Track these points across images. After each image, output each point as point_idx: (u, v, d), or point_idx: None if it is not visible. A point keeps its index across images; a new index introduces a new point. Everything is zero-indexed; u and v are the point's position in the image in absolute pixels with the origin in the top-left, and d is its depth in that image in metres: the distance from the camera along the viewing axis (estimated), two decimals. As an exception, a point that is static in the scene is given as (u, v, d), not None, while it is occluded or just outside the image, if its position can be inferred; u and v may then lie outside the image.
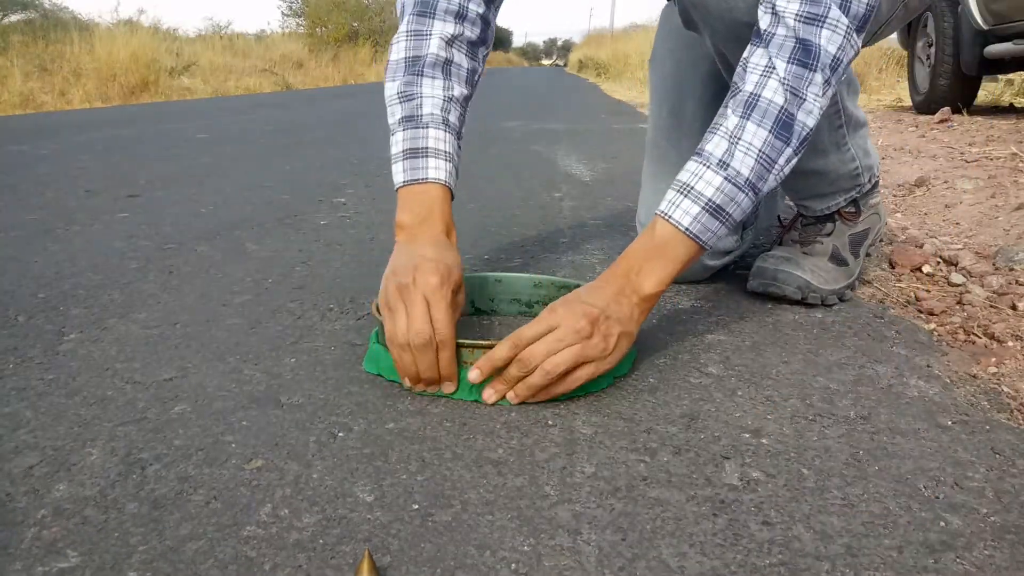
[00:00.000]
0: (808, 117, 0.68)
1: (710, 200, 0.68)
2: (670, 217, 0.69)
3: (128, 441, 0.60)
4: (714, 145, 0.69)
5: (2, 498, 0.52)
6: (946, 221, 1.42)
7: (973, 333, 0.84)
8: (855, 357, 0.78)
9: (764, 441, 0.61)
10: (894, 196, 1.69)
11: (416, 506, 0.52)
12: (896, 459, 0.58)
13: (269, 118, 3.98)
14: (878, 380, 0.72)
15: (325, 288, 1.01)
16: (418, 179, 0.77)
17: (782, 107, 0.67)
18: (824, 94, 0.68)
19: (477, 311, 0.91)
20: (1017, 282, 1.00)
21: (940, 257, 1.14)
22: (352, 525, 0.49)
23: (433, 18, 0.79)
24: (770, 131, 0.67)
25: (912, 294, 0.99)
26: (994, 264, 1.09)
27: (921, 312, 0.92)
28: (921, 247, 1.20)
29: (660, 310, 0.92)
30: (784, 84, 0.66)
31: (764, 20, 0.68)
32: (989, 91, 4.11)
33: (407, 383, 0.69)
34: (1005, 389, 0.71)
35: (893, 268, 1.10)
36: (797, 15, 0.66)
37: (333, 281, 1.05)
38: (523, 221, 1.44)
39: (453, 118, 0.80)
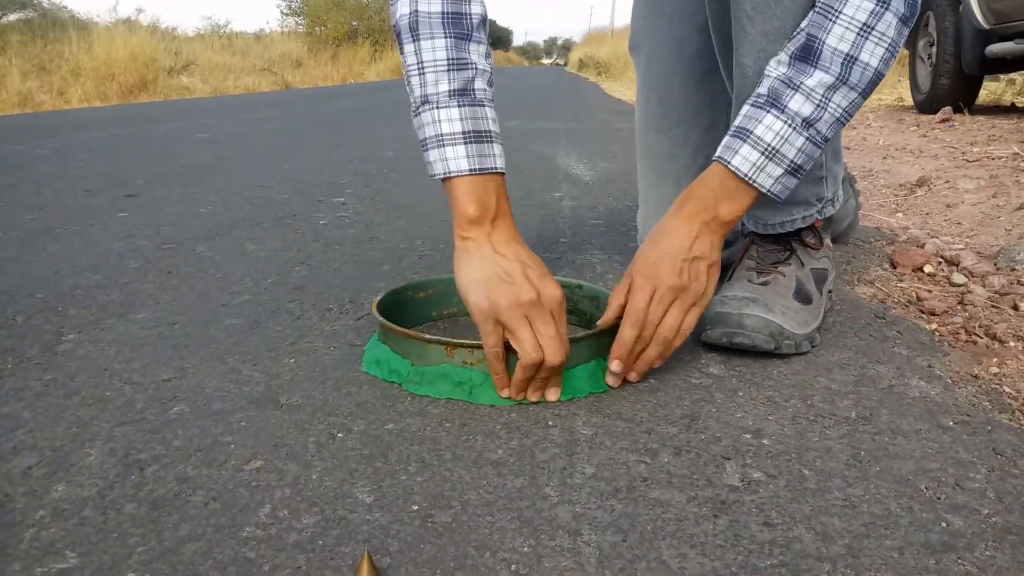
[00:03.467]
0: (872, 58, 0.65)
1: (793, 162, 0.67)
2: (754, 182, 0.68)
3: (127, 442, 0.60)
4: (801, 103, 0.67)
5: (0, 499, 0.52)
6: (947, 221, 1.42)
7: (975, 333, 0.84)
8: (856, 357, 0.78)
9: (765, 442, 0.60)
10: (895, 196, 1.69)
11: (416, 507, 0.51)
12: (897, 460, 0.58)
13: (268, 117, 3.98)
14: (879, 380, 0.72)
15: (324, 288, 1.01)
16: (487, 168, 0.68)
17: (875, 71, 0.66)
18: (896, 31, 0.65)
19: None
20: (1019, 282, 1.00)
21: (941, 257, 1.14)
22: (351, 526, 0.49)
23: None
24: (859, 93, 0.66)
25: (913, 294, 0.99)
26: (996, 264, 1.08)
27: (922, 312, 0.92)
28: (922, 247, 1.20)
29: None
30: (852, 25, 0.65)
31: None
32: (991, 91, 4.11)
33: (506, 394, 0.66)
34: (1007, 389, 0.71)
35: (894, 268, 1.10)
36: None
37: (332, 281, 1.05)
38: (523, 221, 1.43)
39: (493, 92, 0.72)
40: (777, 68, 0.69)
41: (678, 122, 0.93)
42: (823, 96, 0.66)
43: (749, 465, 0.57)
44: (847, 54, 0.65)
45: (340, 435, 0.61)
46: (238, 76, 7.88)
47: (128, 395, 0.68)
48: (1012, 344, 0.81)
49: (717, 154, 0.70)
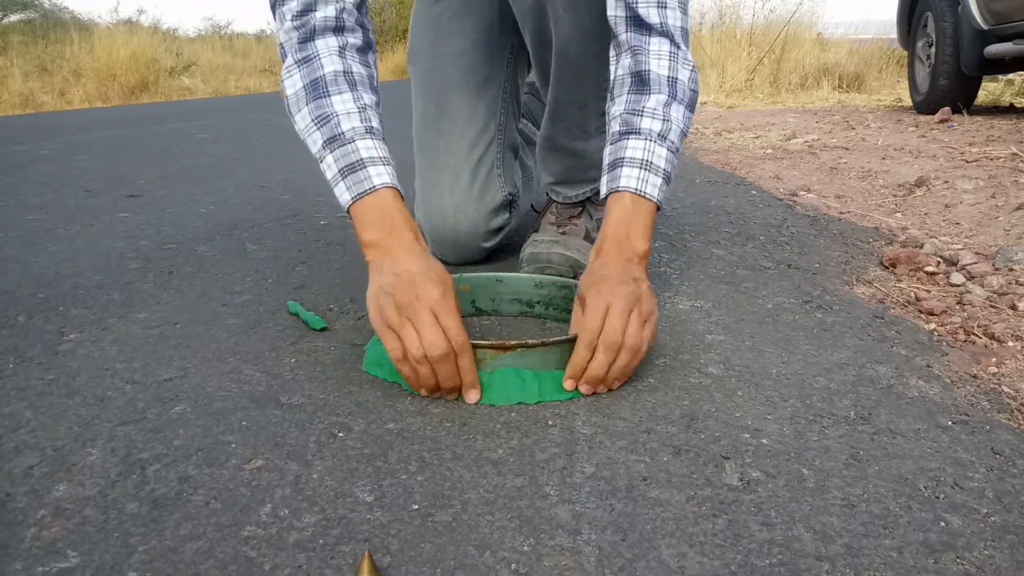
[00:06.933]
0: (685, 78, 0.81)
1: (666, 171, 0.79)
2: (645, 193, 0.77)
3: (128, 441, 0.60)
4: (650, 122, 0.79)
5: (2, 498, 0.53)
6: (946, 221, 1.42)
7: (973, 333, 0.84)
8: (855, 357, 0.78)
9: (764, 441, 0.61)
10: (894, 196, 1.69)
11: (416, 506, 0.52)
12: (896, 459, 0.58)
13: (269, 118, 3.98)
14: (878, 380, 0.72)
15: (325, 288, 1.01)
16: (364, 191, 0.74)
17: (691, 89, 0.82)
18: (689, 59, 0.83)
19: (478, 311, 0.91)
20: (1017, 282, 1.00)
21: (940, 257, 1.14)
22: (352, 525, 0.49)
23: (314, 40, 0.78)
24: (686, 107, 0.81)
25: (912, 294, 0.99)
26: (994, 264, 1.08)
27: (921, 312, 0.92)
28: (921, 247, 1.20)
29: (659, 311, 0.92)
30: (689, 66, 0.81)
31: (653, 14, 0.79)
32: (989, 91, 4.11)
33: (424, 393, 0.68)
34: (1005, 389, 0.71)
35: (893, 268, 1.10)
36: (673, 24, 0.80)
37: (333, 281, 1.05)
38: (523, 221, 1.43)
39: (375, 124, 0.78)
40: (615, 108, 0.81)
41: (455, 124, 1.04)
42: (663, 113, 0.79)
43: (748, 465, 0.57)
44: (669, 76, 0.79)
45: (341, 434, 0.61)
46: (239, 77, 7.89)
47: (129, 395, 0.69)
48: (1011, 344, 0.81)
49: (603, 192, 0.80)
